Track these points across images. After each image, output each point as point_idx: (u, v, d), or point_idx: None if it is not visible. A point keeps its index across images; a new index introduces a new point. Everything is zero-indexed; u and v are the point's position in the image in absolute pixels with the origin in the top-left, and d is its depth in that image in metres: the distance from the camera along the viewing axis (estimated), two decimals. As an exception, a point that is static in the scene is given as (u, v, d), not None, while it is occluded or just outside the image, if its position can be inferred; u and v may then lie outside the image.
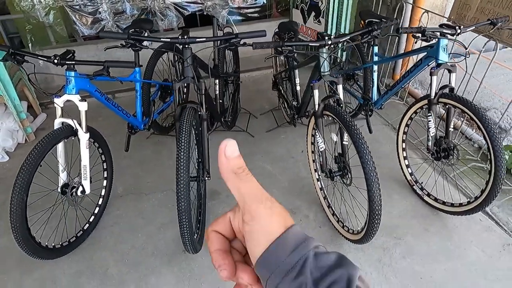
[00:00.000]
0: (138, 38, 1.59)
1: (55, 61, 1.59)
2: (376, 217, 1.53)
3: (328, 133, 1.91)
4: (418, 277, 1.75)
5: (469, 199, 1.91)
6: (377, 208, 1.51)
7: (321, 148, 1.80)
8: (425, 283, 1.72)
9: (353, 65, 3.53)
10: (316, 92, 1.73)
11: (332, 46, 1.61)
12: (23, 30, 3.55)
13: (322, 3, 3.39)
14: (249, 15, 4.33)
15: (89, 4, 3.55)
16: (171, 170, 2.53)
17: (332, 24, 3.36)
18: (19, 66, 1.63)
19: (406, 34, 3.16)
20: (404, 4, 2.98)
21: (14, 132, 2.81)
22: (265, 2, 4.31)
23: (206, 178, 1.84)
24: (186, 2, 3.82)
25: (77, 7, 3.54)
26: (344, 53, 3.51)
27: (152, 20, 2.75)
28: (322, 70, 1.70)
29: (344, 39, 1.61)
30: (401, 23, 3.03)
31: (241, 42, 1.56)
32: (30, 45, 3.44)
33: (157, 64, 2.46)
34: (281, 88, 2.78)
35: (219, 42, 1.67)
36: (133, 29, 2.14)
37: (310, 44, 1.60)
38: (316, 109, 1.75)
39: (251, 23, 4.24)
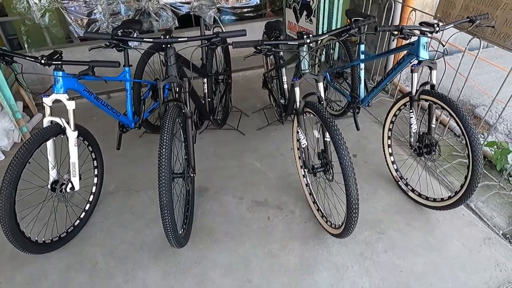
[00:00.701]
0: (122, 38, 1.64)
1: (42, 61, 1.64)
2: (354, 211, 1.57)
3: (312, 130, 1.95)
4: (398, 270, 1.79)
5: (450, 194, 1.95)
6: (354, 202, 1.55)
7: (303, 144, 1.84)
8: (405, 276, 1.76)
9: (345, 62, 3.56)
10: (297, 89, 1.77)
11: (311, 44, 1.65)
12: (20, 32, 3.61)
13: (313, 2, 3.43)
14: (244, 15, 4.37)
15: (84, 5, 3.60)
16: (162, 168, 2.59)
17: (323, 23, 3.40)
18: (8, 67, 1.68)
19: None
20: (393, 3, 3.01)
21: (9, 132, 2.87)
22: (258, 2, 4.35)
23: (192, 175, 1.88)
24: (180, 2, 3.87)
25: (72, 8, 3.59)
26: (336, 52, 3.54)
27: (141, 20, 2.80)
28: (302, 68, 1.74)
29: (322, 37, 1.65)
30: (390, 21, 3.06)
31: (222, 41, 1.60)
32: (26, 46, 3.50)
33: (151, 64, 2.51)
34: (270, 87, 2.82)
35: (201, 41, 1.71)
36: (121, 30, 2.19)
37: (289, 43, 1.64)
38: (298, 106, 1.79)
39: (244, 23, 4.28)
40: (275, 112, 3.03)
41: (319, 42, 1.63)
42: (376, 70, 3.47)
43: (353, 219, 1.60)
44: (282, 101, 2.47)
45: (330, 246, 1.93)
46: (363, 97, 2.55)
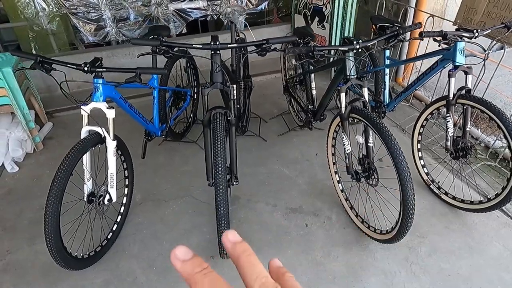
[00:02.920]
0: (170, 44, 1.60)
1: (85, 68, 1.58)
2: (410, 216, 1.57)
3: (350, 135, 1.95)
4: (445, 274, 1.79)
5: (489, 197, 1.97)
6: (411, 207, 1.55)
7: (347, 150, 1.84)
8: (453, 279, 1.76)
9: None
10: (343, 95, 1.77)
11: (359, 50, 1.65)
12: (24, 37, 3.49)
13: (326, 9, 3.45)
14: (250, 20, 4.37)
15: (93, 11, 3.52)
16: (187, 176, 2.54)
17: (336, 29, 3.43)
18: (47, 73, 1.61)
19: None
20: (409, 9, 3.07)
21: (22, 142, 2.75)
22: (264, 8, 4.36)
23: (234, 183, 1.84)
24: (190, 8, 3.84)
25: (81, 14, 3.50)
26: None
27: (169, 26, 2.75)
28: (348, 74, 1.74)
29: (371, 43, 1.65)
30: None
31: (272, 48, 1.58)
32: (34, 52, 3.38)
33: (174, 68, 2.46)
34: (293, 93, 2.82)
35: (244, 48, 1.68)
36: (152, 36, 2.14)
37: (340, 48, 1.63)
38: (343, 112, 1.79)
39: (253, 29, 4.27)
40: (295, 118, 3.03)
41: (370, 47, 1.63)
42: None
43: (408, 224, 1.59)
44: (310, 107, 2.46)
45: (374, 252, 1.92)
46: (388, 102, 2.57)
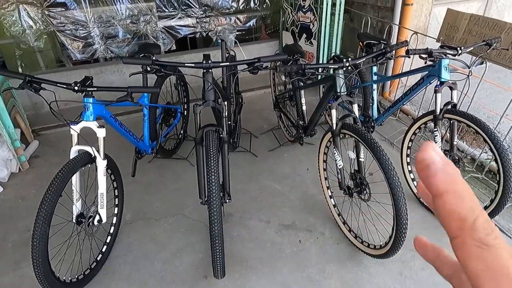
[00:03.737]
0: (162, 63, 1.60)
1: (76, 88, 1.56)
2: (403, 231, 1.58)
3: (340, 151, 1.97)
4: (438, 287, 1.80)
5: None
6: (404, 222, 1.56)
7: (339, 165, 1.85)
8: (448, 293, 1.77)
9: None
10: (333, 111, 1.79)
11: (349, 67, 1.68)
12: (9, 55, 3.45)
13: (313, 26, 3.53)
14: (239, 37, 4.43)
15: (81, 28, 3.51)
16: (178, 194, 2.51)
17: (324, 46, 3.50)
18: (35, 93, 1.58)
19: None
20: (393, 26, 3.17)
21: (7, 162, 2.68)
22: (252, 25, 4.43)
23: (227, 201, 1.83)
24: (178, 25, 3.87)
25: (69, 31, 3.49)
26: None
27: (159, 44, 2.76)
28: (339, 91, 1.77)
29: (360, 60, 1.69)
30: (391, 44, 3.21)
31: (264, 66, 1.60)
32: (20, 70, 3.33)
33: (165, 85, 2.46)
34: (283, 108, 2.84)
35: (235, 66, 1.70)
36: (142, 54, 2.14)
37: (330, 66, 1.66)
38: (334, 128, 1.81)
39: (242, 45, 4.33)
40: (285, 134, 3.04)
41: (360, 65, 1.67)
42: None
43: (402, 238, 1.60)
44: (301, 122, 2.48)
45: (368, 267, 1.92)
46: (376, 116, 2.62)
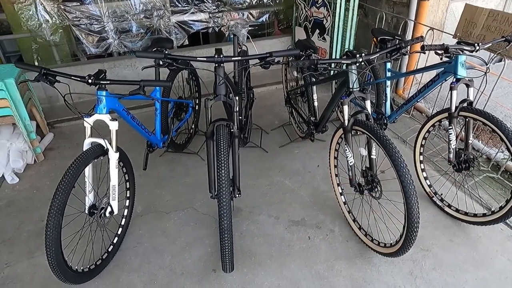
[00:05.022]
0: (174, 57, 1.61)
1: (89, 81, 1.58)
2: (414, 229, 1.55)
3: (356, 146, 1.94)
4: (451, 288, 1.77)
5: (493, 209, 1.96)
6: (415, 220, 1.54)
7: (350, 162, 1.83)
8: (459, 294, 1.74)
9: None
10: (345, 107, 1.77)
11: (362, 63, 1.66)
12: (26, 49, 3.51)
13: (327, 21, 3.49)
14: (251, 33, 4.41)
15: (96, 23, 3.55)
16: (188, 188, 2.52)
17: (337, 41, 3.46)
18: (51, 85, 1.61)
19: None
20: (408, 22, 3.11)
21: (23, 153, 2.74)
22: (265, 20, 4.40)
23: (237, 195, 1.83)
24: (191, 20, 3.87)
25: (84, 26, 3.53)
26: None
27: (172, 39, 2.77)
28: (351, 86, 1.75)
29: (374, 56, 1.66)
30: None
31: (275, 61, 1.59)
32: (36, 63, 3.40)
33: (177, 80, 2.47)
34: (294, 104, 2.82)
35: (247, 61, 1.69)
36: (155, 48, 2.15)
37: (343, 61, 1.64)
38: (346, 124, 1.79)
39: (255, 41, 4.31)
40: (296, 130, 3.03)
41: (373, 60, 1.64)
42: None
43: (413, 237, 1.58)
44: (312, 118, 2.46)
45: (378, 266, 1.90)
46: (389, 113, 2.58)
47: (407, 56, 3.35)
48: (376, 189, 1.84)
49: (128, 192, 2.10)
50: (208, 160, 1.74)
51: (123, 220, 2.09)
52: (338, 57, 3.44)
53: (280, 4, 4.29)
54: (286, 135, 3.11)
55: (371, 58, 1.66)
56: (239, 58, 1.60)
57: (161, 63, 1.65)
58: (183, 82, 2.76)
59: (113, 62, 3.69)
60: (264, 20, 4.38)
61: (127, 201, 2.11)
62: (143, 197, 2.43)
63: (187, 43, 4.01)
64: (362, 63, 1.65)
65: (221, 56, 1.58)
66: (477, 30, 2.50)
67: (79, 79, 1.59)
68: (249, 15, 4.15)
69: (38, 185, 2.58)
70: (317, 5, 3.55)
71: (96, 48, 3.66)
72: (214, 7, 3.92)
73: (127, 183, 2.08)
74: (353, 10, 3.34)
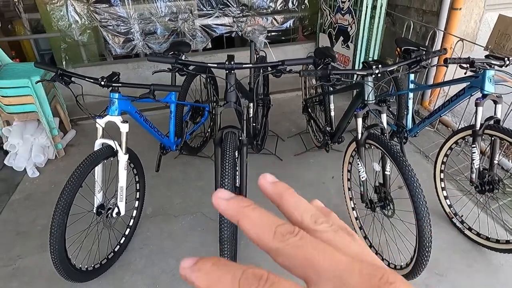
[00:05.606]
0: (185, 62, 1.60)
1: (102, 83, 1.60)
2: (426, 253, 1.46)
3: (370, 160, 1.86)
4: (465, 318, 1.65)
5: (517, 237, 1.82)
6: (427, 244, 1.44)
7: (362, 177, 1.75)
8: (474, 326, 1.62)
9: (378, 89, 3.50)
10: (359, 120, 1.70)
11: (378, 75, 1.59)
12: (57, 47, 3.65)
13: (351, 28, 3.40)
14: (276, 38, 4.38)
15: (122, 24, 3.64)
16: (200, 192, 2.51)
17: (361, 50, 3.37)
18: (66, 86, 1.65)
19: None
20: (437, 32, 2.97)
21: (45, 148, 2.84)
22: (289, 26, 4.36)
23: (243, 204, 1.79)
24: (215, 24, 3.90)
25: (111, 27, 3.63)
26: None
27: (189, 43, 2.80)
28: (367, 99, 1.67)
29: (391, 68, 1.59)
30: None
31: (287, 69, 1.55)
32: (64, 63, 3.53)
33: (194, 83, 2.48)
34: (311, 113, 2.76)
35: (258, 69, 1.66)
36: (172, 52, 2.17)
37: (358, 73, 1.58)
38: (359, 138, 1.72)
39: (277, 46, 4.28)
40: (313, 138, 2.96)
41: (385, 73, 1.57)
42: (414, 99, 3.41)
43: (424, 261, 1.49)
44: (328, 128, 2.40)
45: None
46: (411, 127, 2.46)
47: (434, 67, 3.21)
48: (388, 207, 1.76)
49: (138, 193, 2.12)
50: (215, 167, 1.72)
51: (131, 221, 2.10)
52: (361, 65, 3.34)
53: (305, 10, 4.24)
54: (303, 143, 3.04)
55: (388, 70, 1.58)
56: (250, 65, 1.57)
57: (171, 68, 1.65)
58: (200, 86, 2.76)
59: (137, 63, 3.77)
60: (288, 26, 4.34)
61: (137, 202, 2.13)
62: (154, 198, 2.44)
63: (210, 46, 4.04)
64: (379, 74, 1.58)
65: (232, 63, 1.56)
66: (511, 43, 2.34)
67: (92, 80, 1.62)
68: (273, 20, 4.12)
69: (56, 180, 2.66)
70: (342, 12, 3.48)
71: (122, 48, 3.76)
72: (239, 12, 3.93)
73: (137, 185, 2.10)
74: (379, 18, 3.24)
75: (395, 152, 1.52)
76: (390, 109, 2.81)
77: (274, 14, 4.12)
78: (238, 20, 3.94)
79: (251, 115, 2.36)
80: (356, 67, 3.44)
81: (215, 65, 1.56)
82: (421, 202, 1.44)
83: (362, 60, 3.42)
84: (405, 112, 2.47)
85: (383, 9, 3.21)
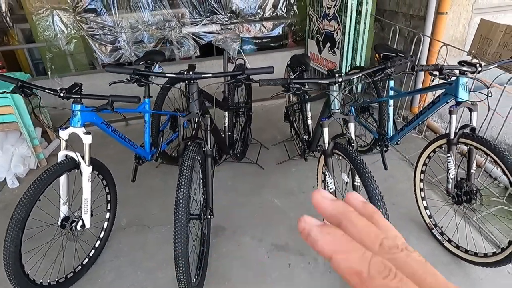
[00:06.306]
0: (143, 73, 1.57)
1: (61, 94, 1.58)
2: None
3: (339, 170, 1.81)
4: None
5: (495, 250, 1.74)
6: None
7: (330, 189, 1.70)
8: None
9: (369, 95, 3.44)
10: (325, 130, 1.65)
11: (343, 83, 1.54)
12: (45, 57, 3.67)
13: (337, 34, 3.36)
14: (265, 45, 4.36)
15: (109, 33, 3.65)
16: (177, 203, 2.48)
17: (347, 56, 3.32)
18: (26, 99, 1.63)
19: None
20: (422, 37, 2.91)
21: (26, 158, 2.83)
22: (280, 32, 4.34)
23: (209, 216, 1.75)
24: (203, 32, 3.89)
25: (98, 36, 3.64)
26: (360, 84, 3.44)
27: (163, 52, 2.77)
28: (332, 108, 1.62)
29: (354, 76, 1.54)
30: (418, 57, 2.95)
31: (248, 79, 1.51)
32: (49, 73, 3.54)
33: (171, 93, 2.46)
34: (292, 120, 2.72)
35: (225, 78, 1.63)
36: (143, 61, 2.15)
37: (320, 81, 1.53)
38: (326, 148, 1.66)
39: (266, 53, 4.26)
40: (296, 146, 2.91)
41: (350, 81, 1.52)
42: (402, 104, 3.34)
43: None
44: (305, 137, 2.35)
45: (358, 303, 1.73)
46: (391, 135, 2.40)
47: (422, 74, 3.14)
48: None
49: (109, 205, 2.09)
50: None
51: (102, 233, 2.07)
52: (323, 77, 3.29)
53: (294, 16, 4.21)
54: (286, 151, 2.99)
55: (351, 78, 1.53)
56: (209, 75, 1.53)
57: (129, 78, 1.62)
58: (180, 94, 2.74)
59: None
60: (278, 32, 4.31)
61: (108, 213, 2.10)
62: (130, 208, 2.41)
63: (198, 54, 4.03)
64: (343, 83, 1.53)
65: (191, 73, 1.53)
66: (493, 47, 2.28)
67: (52, 92, 1.60)
68: (262, 27, 4.10)
69: (35, 190, 2.65)
70: (328, 18, 3.44)
71: (109, 57, 3.76)
72: (226, 19, 3.91)
73: (108, 196, 2.07)
74: (364, 23, 3.19)
75: (358, 163, 1.47)
76: (374, 116, 2.75)
77: (263, 21, 4.10)
78: (226, 28, 3.93)
79: (226, 124, 2.33)
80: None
81: (174, 75, 1.53)
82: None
83: (348, 66, 3.37)
84: (386, 120, 2.41)
85: (368, 14, 3.16)
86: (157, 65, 2.18)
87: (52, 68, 3.53)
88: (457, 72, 1.63)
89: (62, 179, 1.73)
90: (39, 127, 3.03)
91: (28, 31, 4.17)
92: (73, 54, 3.66)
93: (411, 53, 3.02)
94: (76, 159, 1.70)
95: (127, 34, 3.72)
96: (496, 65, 1.73)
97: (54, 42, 3.47)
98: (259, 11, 4.02)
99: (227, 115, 2.27)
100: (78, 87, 1.65)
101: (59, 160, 1.72)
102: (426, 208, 2.13)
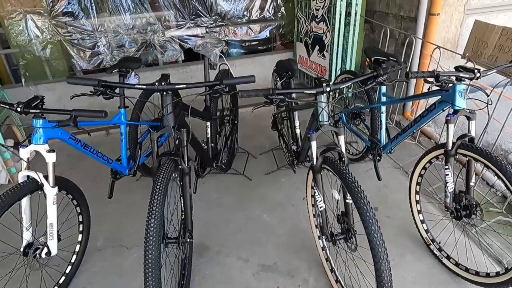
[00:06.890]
0: (109, 85, 1.41)
1: (18, 109, 1.42)
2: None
3: (330, 186, 1.67)
4: None
5: (499, 270, 1.62)
6: (386, 280, 1.25)
7: (320, 207, 1.56)
8: None
9: (360, 99, 3.32)
10: (313, 143, 1.51)
11: (331, 93, 1.40)
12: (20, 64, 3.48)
13: (326, 37, 3.23)
14: (252, 48, 4.21)
15: (88, 38, 3.47)
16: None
17: (337, 59, 3.19)
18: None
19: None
20: (414, 39, 2.80)
21: (-4, 173, 2.64)
22: (268, 35, 4.20)
23: (189, 240, 1.60)
24: (187, 35, 3.73)
25: (76, 41, 3.46)
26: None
27: (140, 58, 2.61)
28: (320, 120, 1.48)
29: (344, 85, 1.40)
30: (410, 60, 2.83)
31: (226, 89, 1.36)
32: (23, 80, 3.35)
33: (152, 99, 2.30)
34: (280, 128, 2.57)
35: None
36: (117, 69, 1.99)
37: (306, 91, 1.39)
38: (314, 163, 1.52)
39: (254, 56, 4.12)
40: (285, 155, 2.77)
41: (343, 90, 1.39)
42: (394, 109, 3.23)
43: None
44: (294, 147, 2.20)
45: (352, 331, 1.60)
46: (384, 143, 2.27)
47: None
48: (351, 240, 1.55)
49: (81, 226, 1.92)
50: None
51: (74, 257, 1.90)
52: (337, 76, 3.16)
53: (282, 18, 4.08)
54: (275, 160, 2.85)
55: (341, 87, 1.39)
56: (184, 85, 1.38)
57: (94, 90, 1.45)
58: (161, 104, 2.57)
59: (108, 77, 3.58)
60: (266, 35, 4.17)
61: (80, 235, 1.92)
62: (107, 227, 2.24)
63: (183, 58, 3.87)
64: (331, 92, 1.39)
65: (162, 83, 1.37)
66: (489, 50, 2.17)
67: (7, 107, 1.43)
68: (249, 29, 3.96)
69: (5, 208, 2.46)
70: (317, 20, 3.31)
71: (88, 63, 3.58)
72: (212, 22, 3.76)
73: (80, 217, 1.90)
74: (354, 25, 3.07)
75: (349, 180, 1.33)
76: (366, 123, 2.63)
77: (250, 23, 3.96)
78: (211, 31, 3.78)
79: (209, 135, 2.18)
80: (333, 77, 3.26)
81: (144, 86, 1.37)
82: (378, 240, 1.24)
83: (338, 69, 3.24)
84: (379, 127, 2.28)
85: (358, 16, 3.04)
86: (133, 73, 2.02)
87: (26, 75, 3.34)
88: (454, 79, 1.50)
89: (24, 202, 1.55)
90: (11, 139, 2.84)
91: (4, 36, 3.97)
92: (50, 60, 3.47)
93: (403, 56, 2.90)
94: (39, 180, 1.53)
95: (107, 39, 3.55)
96: (495, 70, 1.61)
97: (28, 48, 3.28)
98: (245, 13, 3.88)
99: (209, 126, 2.12)
100: (38, 100, 1.49)
101: (19, 181, 1.55)
102: (422, 222, 2.00)
